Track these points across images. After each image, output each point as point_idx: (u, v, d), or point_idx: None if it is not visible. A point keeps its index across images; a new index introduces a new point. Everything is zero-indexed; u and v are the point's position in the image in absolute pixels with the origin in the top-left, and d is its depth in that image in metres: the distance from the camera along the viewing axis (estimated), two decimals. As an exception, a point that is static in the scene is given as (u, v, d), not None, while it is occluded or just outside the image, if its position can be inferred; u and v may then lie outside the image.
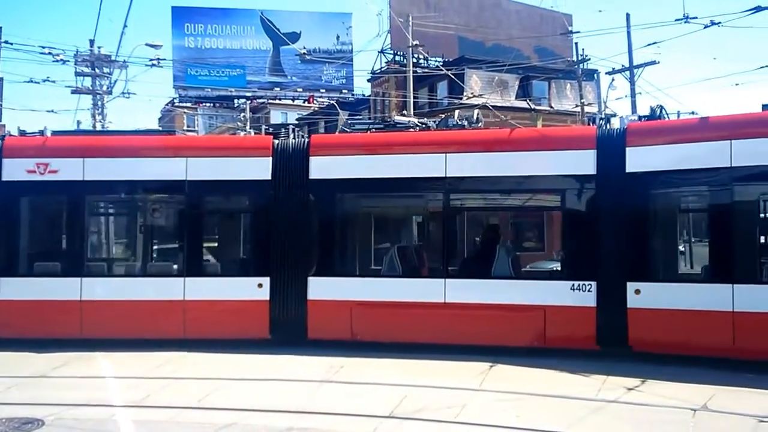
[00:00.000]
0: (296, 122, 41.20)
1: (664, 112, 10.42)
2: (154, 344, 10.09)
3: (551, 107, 33.51)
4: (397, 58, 37.35)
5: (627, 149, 9.64)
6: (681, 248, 10.42)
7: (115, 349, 10.00)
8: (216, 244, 11.85)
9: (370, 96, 41.01)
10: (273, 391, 8.13)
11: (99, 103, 25.80)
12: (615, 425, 6.83)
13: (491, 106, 26.87)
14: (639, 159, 9.57)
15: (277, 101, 47.18)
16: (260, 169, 10.69)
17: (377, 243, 11.46)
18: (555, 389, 7.97)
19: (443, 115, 11.70)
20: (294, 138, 11.17)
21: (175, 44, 41.43)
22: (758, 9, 13.27)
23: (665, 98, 37.72)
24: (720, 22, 14.94)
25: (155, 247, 11.57)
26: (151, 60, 24.94)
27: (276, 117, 49.57)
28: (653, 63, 23.87)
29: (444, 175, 10.31)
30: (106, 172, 10.88)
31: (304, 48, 36.23)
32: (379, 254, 11.20)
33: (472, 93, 30.70)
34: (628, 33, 24.21)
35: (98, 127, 24.34)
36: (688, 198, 10.23)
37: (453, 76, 27.64)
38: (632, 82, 24.30)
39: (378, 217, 11.68)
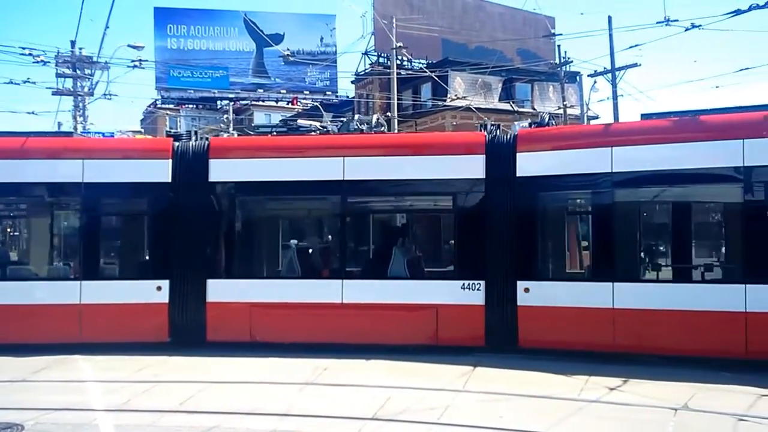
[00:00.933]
0: (280, 123, 41.11)
1: (552, 120, 11.07)
2: (136, 348, 10.01)
3: (534, 109, 33.66)
4: (381, 59, 37.39)
5: (517, 155, 10.07)
6: (579, 249, 10.82)
7: (97, 353, 9.90)
8: (115, 247, 11.75)
9: (354, 98, 41.01)
10: (256, 394, 8.09)
11: (80, 104, 25.57)
12: (597, 425, 6.86)
13: (475, 108, 27.05)
14: (528, 164, 10.00)
15: (261, 103, 47.06)
16: (160, 171, 10.70)
17: (276, 245, 11.56)
18: (538, 390, 8.00)
19: (345, 119, 11.92)
20: (194, 140, 11.19)
21: (157, 45, 41.24)
22: (738, 12, 13.42)
23: (647, 100, 38.05)
24: (701, 25, 15.10)
25: (51, 250, 11.28)
26: (133, 61, 24.71)
27: (259, 118, 49.43)
28: (635, 65, 24.08)
29: (342, 179, 10.54)
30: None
31: (288, 49, 36.12)
32: (278, 256, 11.39)
33: (455, 95, 30.79)
34: (610, 36, 24.39)
35: (80, 129, 24.10)
36: (574, 201, 10.71)
37: (437, 78, 27.70)
38: (614, 85, 24.48)
39: (277, 219, 11.81)
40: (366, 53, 38.41)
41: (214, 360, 9.70)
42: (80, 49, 25.03)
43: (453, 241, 10.79)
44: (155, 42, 41.23)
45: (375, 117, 12.10)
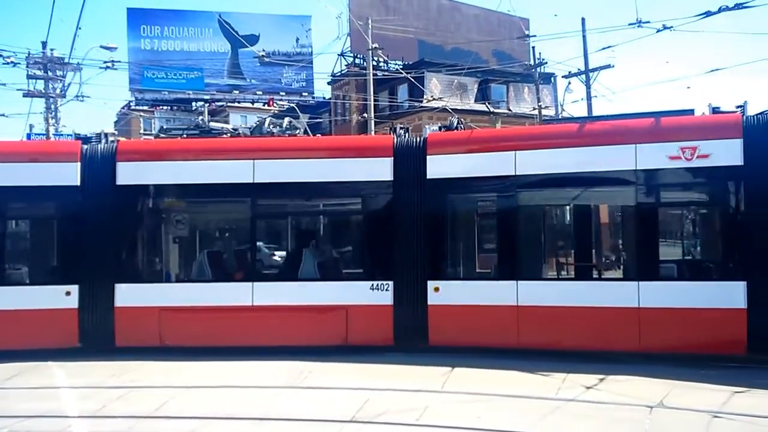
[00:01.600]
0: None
1: (461, 124, 11.38)
2: (110, 353, 9.88)
3: (510, 110, 33.92)
4: (357, 60, 37.38)
5: (428, 157, 10.28)
6: (487, 249, 10.97)
7: (69, 359, 9.76)
8: (23, 252, 11.58)
9: (330, 99, 40.94)
10: (234, 398, 8.03)
11: (52, 106, 25.24)
12: (574, 424, 6.91)
13: (451, 108, 27.13)
14: (438, 167, 10.25)
15: (236, 104, 46.75)
16: (68, 174, 10.60)
17: (186, 248, 11.48)
18: (516, 389, 8.04)
19: (288, 121, 12.04)
20: (103, 143, 11.10)
21: (130, 46, 40.72)
22: (708, 13, 13.62)
23: (620, 101, 38.51)
24: (672, 27, 15.29)
25: None
26: (105, 62, 24.48)
27: (235, 120, 49.13)
28: (608, 67, 24.34)
29: (252, 181, 10.59)
30: None
31: (263, 50, 35.96)
32: (187, 260, 11.34)
33: (431, 96, 30.90)
34: (584, 37, 24.65)
35: (52, 131, 23.78)
36: (482, 203, 10.92)
37: (413, 80, 27.77)
38: (588, 86, 24.74)
39: (187, 223, 11.69)
40: (342, 54, 38.39)
41: (190, 364, 9.61)
42: (52, 50, 24.76)
43: (362, 243, 11.11)
44: (128, 43, 40.72)
45: (287, 120, 12.11)
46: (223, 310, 10.34)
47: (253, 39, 41.17)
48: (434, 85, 33.43)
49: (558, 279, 10.29)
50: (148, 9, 42.26)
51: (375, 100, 29.37)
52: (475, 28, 40.73)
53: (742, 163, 9.00)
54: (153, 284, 10.65)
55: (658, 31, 15.48)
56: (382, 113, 33.05)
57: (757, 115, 9.44)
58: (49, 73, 24.83)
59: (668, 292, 9.26)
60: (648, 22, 16.16)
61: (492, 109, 31.35)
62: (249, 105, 47.03)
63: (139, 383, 8.69)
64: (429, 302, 10.06)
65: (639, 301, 9.25)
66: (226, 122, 48.34)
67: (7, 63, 22.03)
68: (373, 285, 10.20)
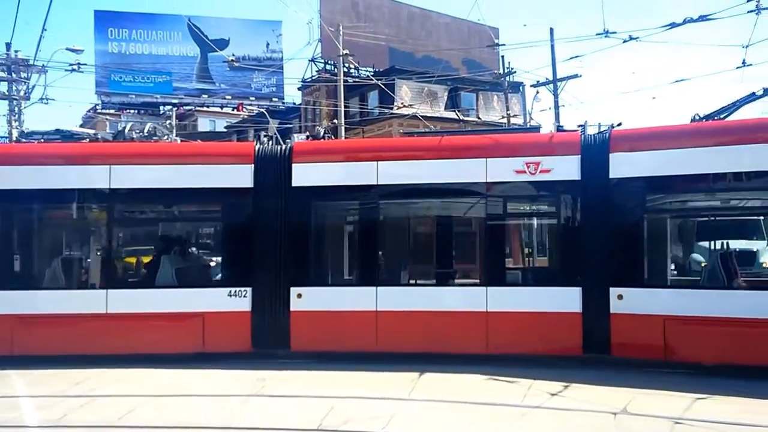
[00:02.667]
0: (225, 130, 40.60)
1: (327, 134, 11.73)
2: (74, 361, 9.69)
3: (479, 118, 34.18)
4: (327, 67, 37.33)
5: (293, 165, 10.45)
6: (349, 255, 11.22)
7: (32, 367, 9.55)
8: None
9: (301, 104, 40.82)
10: (198, 407, 7.92)
11: (16, 108, 24.76)
12: (540, 431, 6.95)
13: (421, 116, 27.28)
14: (303, 175, 10.44)
15: (205, 108, 46.37)
16: None
17: (41, 255, 11.33)
18: (483, 396, 8.06)
19: (151, 126, 12.04)
20: None
21: (98, 49, 40.13)
22: (673, 25, 13.89)
23: (587, 111, 39.08)
24: (638, 38, 15.56)
25: None
26: (71, 65, 24.09)
27: (204, 124, 48.72)
28: (576, 76, 24.71)
29: (108, 187, 10.51)
30: None
31: (233, 55, 35.71)
32: (42, 267, 11.13)
33: (402, 103, 31.00)
34: (552, 47, 25.00)
35: (15, 134, 23.32)
36: (345, 211, 11.22)
37: (383, 87, 27.83)
38: (556, 95, 25.07)
39: (42, 229, 11.59)
40: (313, 60, 38.30)
41: (152, 372, 9.47)
42: (16, 51, 24.32)
43: (221, 250, 11.28)
44: (95, 46, 40.13)
45: (149, 125, 12.06)
46: (76, 318, 10.19)
47: (222, 43, 40.85)
48: (405, 92, 33.56)
49: (415, 285, 10.62)
50: (115, 11, 41.76)
51: (345, 107, 29.36)
52: (446, 37, 41.01)
53: (580, 178, 9.74)
54: (4, 292, 10.33)
55: (625, 41, 15.74)
56: (352, 119, 33.06)
57: (593, 134, 10.22)
58: (13, 75, 24.37)
59: (513, 297, 9.88)
60: (615, 32, 16.41)
61: (462, 117, 31.59)
62: (218, 110, 46.74)
63: (101, 392, 8.52)
64: (292, 308, 10.18)
65: (487, 306, 9.79)
66: (195, 127, 47.99)
67: (-31, 64, 21.56)
68: (231, 291, 10.25)
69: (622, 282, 9.42)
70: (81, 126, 54.39)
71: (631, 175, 9.52)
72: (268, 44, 43.38)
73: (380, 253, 10.58)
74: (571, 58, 29.26)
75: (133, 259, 11.78)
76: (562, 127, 10.68)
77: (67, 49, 24.90)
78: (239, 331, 10.15)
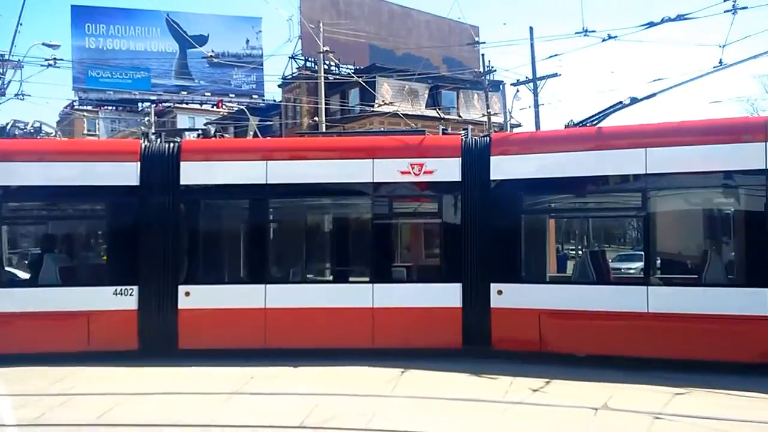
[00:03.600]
0: (204, 127, 40.24)
1: (218, 132, 11.87)
2: (52, 359, 9.57)
3: (459, 116, 34.32)
4: (308, 64, 37.24)
5: (182, 164, 10.49)
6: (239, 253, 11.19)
7: (8, 365, 9.40)
8: None
9: (281, 101, 40.65)
10: (179, 405, 7.84)
11: (-10, 104, 24.31)
12: (522, 426, 6.99)
13: (402, 114, 27.30)
14: (192, 173, 10.50)
15: (184, 105, 46.01)
16: None
17: None
18: (466, 393, 8.10)
19: (35, 122, 11.86)
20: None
21: (75, 44, 39.68)
22: (651, 24, 13.97)
23: (566, 109, 39.35)
24: (617, 36, 15.62)
25: None
26: (47, 60, 23.72)
27: (183, 121, 48.30)
28: (555, 75, 24.85)
29: None
30: None
31: (212, 51, 35.46)
32: None
33: (383, 101, 30.99)
34: (532, 46, 25.10)
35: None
36: (236, 209, 11.19)
37: (364, 84, 27.79)
38: (535, 94, 25.19)
39: None
40: (293, 57, 38.20)
41: (132, 370, 9.39)
42: (-10, 46, 23.89)
43: (106, 248, 11.14)
44: (72, 41, 39.66)
45: (31, 121, 11.86)
46: None
47: (201, 39, 40.57)
48: (385, 90, 33.59)
49: (304, 282, 10.73)
50: (93, 6, 41.26)
51: (326, 104, 29.30)
52: (426, 35, 41.10)
53: (460, 179, 10.23)
54: None
55: (604, 40, 15.76)
56: (333, 117, 33.03)
57: (475, 138, 10.84)
58: (-12, 70, 23.91)
59: (398, 293, 10.23)
60: (594, 31, 16.47)
61: (442, 115, 31.68)
62: (197, 106, 46.39)
63: (80, 390, 8.41)
64: (180, 306, 10.20)
65: (373, 302, 10.10)
66: (174, 123, 47.54)
67: (-58, 58, 21.15)
68: (116, 290, 10.20)
69: (502, 278, 9.91)
70: (58, 122, 53.76)
71: (510, 177, 10.09)
72: (247, 41, 43.16)
73: (269, 251, 10.75)
74: (551, 56, 29.42)
75: (15, 257, 11.48)
76: (446, 130, 11.66)
77: (44, 44, 24.57)
78: (125, 329, 10.13)
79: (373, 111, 32.24)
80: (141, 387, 8.57)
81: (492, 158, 10.15)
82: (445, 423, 6.91)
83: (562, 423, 7.05)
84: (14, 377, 9.00)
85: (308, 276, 10.93)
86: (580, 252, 11.40)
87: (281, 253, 11.14)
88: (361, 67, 35.55)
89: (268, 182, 10.43)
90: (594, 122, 10.47)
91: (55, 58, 23.24)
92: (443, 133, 13.17)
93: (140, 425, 7.00)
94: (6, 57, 23.27)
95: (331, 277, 10.95)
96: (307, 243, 11.27)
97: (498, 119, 30.02)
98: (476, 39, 28.05)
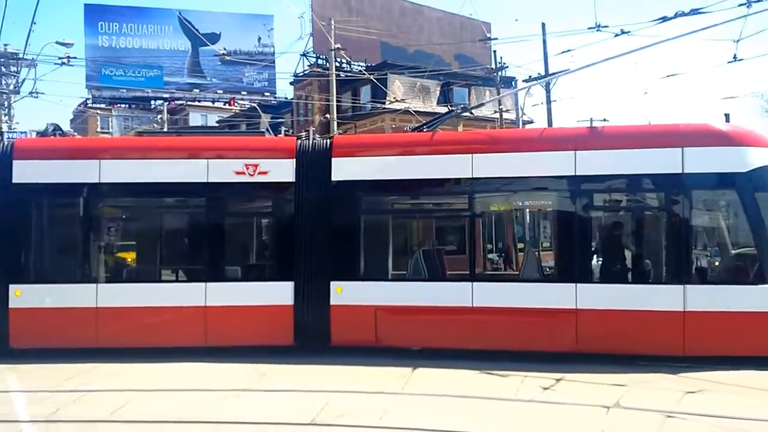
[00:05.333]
0: (216, 125, 40.43)
1: (56, 131, 11.68)
2: (66, 355, 9.66)
3: (471, 113, 34.20)
4: (319, 61, 37.26)
5: (14, 162, 10.42)
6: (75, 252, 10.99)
7: (22, 361, 9.51)
8: None
9: (293, 99, 40.72)
10: (191, 402, 7.90)
11: (5, 103, 24.64)
12: (533, 424, 6.98)
13: (413, 111, 27.25)
14: (26, 172, 10.42)
15: (197, 103, 46.21)
16: None
17: None
18: (476, 391, 8.09)
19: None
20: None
21: (88, 43, 39.96)
22: (665, 19, 13.87)
23: (578, 106, 39.20)
24: (630, 32, 15.53)
25: None
26: (61, 58, 23.92)
27: (195, 119, 48.49)
28: (567, 71, 24.65)
29: None
30: None
31: (224, 49, 35.58)
32: None
33: (394, 98, 30.96)
34: (544, 42, 24.98)
35: (5, 128, 23.19)
36: (69, 208, 10.94)
37: (376, 81, 27.77)
38: (548, 90, 25.06)
39: None
40: (305, 55, 38.21)
41: (145, 366, 9.44)
42: (5, 45, 24.19)
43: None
44: (86, 39, 39.96)
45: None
46: None
47: (214, 37, 40.76)
48: (397, 87, 33.53)
49: (138, 282, 10.71)
50: (106, 5, 41.56)
51: (338, 101, 29.32)
52: (438, 31, 41.00)
53: (294, 180, 10.42)
54: None
55: (617, 35, 15.70)
56: (344, 114, 33.02)
57: (313, 140, 11.01)
58: (3, 69, 24.23)
59: (231, 291, 10.36)
60: (606, 26, 16.41)
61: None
62: (209, 104, 46.58)
63: (93, 387, 8.48)
64: (11, 305, 10.15)
65: (206, 300, 10.22)
66: (186, 121, 47.69)
67: (-42, 58, 21.40)
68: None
69: (342, 276, 10.22)
70: (72, 120, 54.11)
71: (351, 178, 10.40)
72: (259, 38, 43.31)
73: (103, 250, 10.77)
74: (563, 52, 29.18)
75: None
76: (288, 132, 11.28)
77: (57, 42, 24.77)
78: None
79: (384, 108, 32.21)
80: (153, 383, 8.62)
81: (333, 160, 10.40)
82: (455, 421, 6.90)
83: (574, 421, 7.03)
84: (32, 374, 9.11)
85: (142, 275, 10.93)
86: (411, 249, 11.53)
87: (116, 252, 11.20)
88: (373, 64, 35.52)
89: (102, 181, 10.43)
90: (432, 127, 10.99)
91: (68, 57, 23.47)
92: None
93: (153, 422, 7.04)
94: (20, 55, 23.57)
95: (166, 277, 11.01)
96: (143, 243, 11.32)
97: (510, 116, 29.91)
98: (488, 35, 27.96)
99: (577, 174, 9.68)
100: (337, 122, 28.84)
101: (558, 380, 8.43)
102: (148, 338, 10.05)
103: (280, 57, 68.86)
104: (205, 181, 10.43)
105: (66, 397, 7.92)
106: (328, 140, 11.04)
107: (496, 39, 27.03)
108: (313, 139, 11.25)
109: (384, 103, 31.96)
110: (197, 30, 38.79)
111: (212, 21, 42.31)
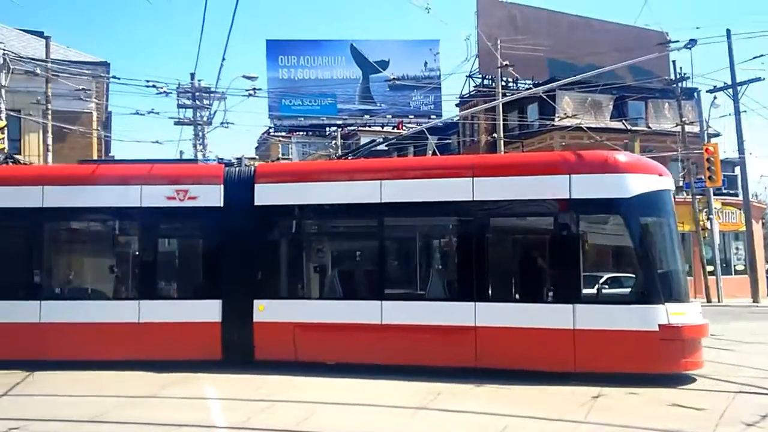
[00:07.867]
0: (386, 148, 41.67)
1: (9, 158, 12.80)
2: (254, 367, 10.23)
3: (649, 127, 32.43)
4: (485, 81, 37.22)
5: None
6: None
7: (218, 372, 10.25)
8: None
9: (458, 119, 40.98)
10: (369, 416, 8.05)
11: (200, 133, 26.77)
12: None
13: (586, 127, 26.34)
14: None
15: (367, 128, 47.97)
16: None
17: None
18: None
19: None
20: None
21: (270, 76, 42.97)
22: None
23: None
24: (834, 32, 13.98)
25: None
26: (247, 91, 25.85)
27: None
28: (758, 80, 22.74)
29: None
30: None
31: (393, 74, 36.66)
32: None
33: (564, 114, 30.14)
34: (729, 49, 23.21)
35: (200, 156, 25.32)
36: (15, 231, 11.68)
37: (545, 97, 27.21)
38: (736, 100, 23.20)
39: None
40: (470, 75, 38.38)
41: (327, 381, 9.82)
42: (199, 80, 26.33)
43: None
44: (267, 73, 43.02)
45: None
46: None
47: (383, 64, 42.26)
48: (566, 103, 32.64)
49: (78, 299, 11.44)
50: (285, 40, 44.55)
51: (504, 120, 29.05)
52: (609, 44, 39.36)
53: (222, 205, 11.16)
54: None
55: (820, 37, 14.20)
56: (511, 133, 32.64)
57: (239, 168, 12.04)
58: (197, 102, 26.38)
59: (163, 309, 11.06)
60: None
61: (629, 127, 30.16)
62: (379, 129, 48.15)
63: (280, 397, 8.92)
64: None
65: (139, 317, 10.94)
66: (357, 145, 49.55)
67: (160, 93, 23.54)
68: None
69: (265, 294, 10.95)
70: (257, 148, 58.23)
71: (272, 203, 11.13)
72: (426, 63, 44.21)
73: (45, 270, 11.55)
74: (753, 58, 26.96)
75: None
76: (223, 159, 12.86)
77: (244, 76, 26.76)
78: None
79: (553, 125, 31.43)
80: (332, 397, 8.86)
81: (256, 186, 11.16)
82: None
83: None
84: (226, 383, 9.79)
85: (83, 293, 11.80)
86: (324, 269, 11.86)
87: (58, 272, 12.07)
88: (540, 81, 34.83)
89: (45, 206, 11.25)
90: (357, 155, 11.97)
91: (254, 89, 25.29)
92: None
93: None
94: (212, 89, 25.72)
95: (103, 295, 11.74)
96: (82, 263, 12.34)
97: (693, 129, 27.98)
98: (668, 38, 26.35)
99: (475, 199, 10.30)
100: (504, 141, 28.54)
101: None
102: (89, 353, 10.57)
103: (447, 79, 69.67)
104: (138, 205, 11.25)
105: (256, 406, 8.35)
106: (252, 168, 12.06)
107: (677, 41, 25.37)
108: (238, 166, 12.34)
109: (553, 120, 31.21)
110: (367, 58, 40.35)
111: (381, 49, 43.87)
